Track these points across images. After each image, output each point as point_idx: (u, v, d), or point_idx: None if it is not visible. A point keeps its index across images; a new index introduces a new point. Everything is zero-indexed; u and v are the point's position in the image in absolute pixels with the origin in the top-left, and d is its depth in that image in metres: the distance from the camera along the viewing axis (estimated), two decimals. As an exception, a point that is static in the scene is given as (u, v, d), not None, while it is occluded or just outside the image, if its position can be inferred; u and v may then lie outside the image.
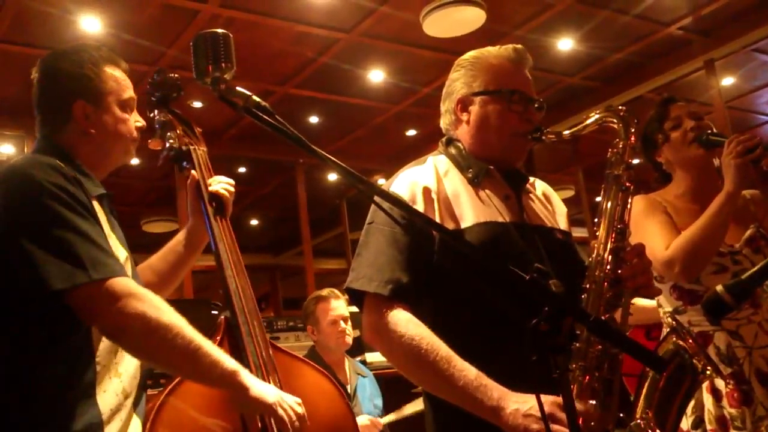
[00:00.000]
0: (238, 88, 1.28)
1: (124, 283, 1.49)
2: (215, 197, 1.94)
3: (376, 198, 1.52)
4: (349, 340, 3.57)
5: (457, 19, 5.26)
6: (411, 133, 7.65)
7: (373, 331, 1.59)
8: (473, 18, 5.24)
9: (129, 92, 1.76)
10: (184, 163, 2.00)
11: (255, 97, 1.28)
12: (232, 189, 1.99)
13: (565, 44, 6.16)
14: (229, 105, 1.25)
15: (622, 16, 5.76)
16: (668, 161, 2.34)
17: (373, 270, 1.57)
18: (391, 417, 3.56)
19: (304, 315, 3.72)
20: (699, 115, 2.34)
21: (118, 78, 1.75)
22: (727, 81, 7.10)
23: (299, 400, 1.61)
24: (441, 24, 5.32)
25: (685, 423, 2.14)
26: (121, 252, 1.61)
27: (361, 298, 1.61)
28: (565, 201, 1.92)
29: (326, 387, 1.86)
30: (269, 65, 5.96)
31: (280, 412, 1.56)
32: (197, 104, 6.20)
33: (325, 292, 3.68)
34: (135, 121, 1.78)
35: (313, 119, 7.20)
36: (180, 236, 1.99)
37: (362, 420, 3.31)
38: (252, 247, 11.19)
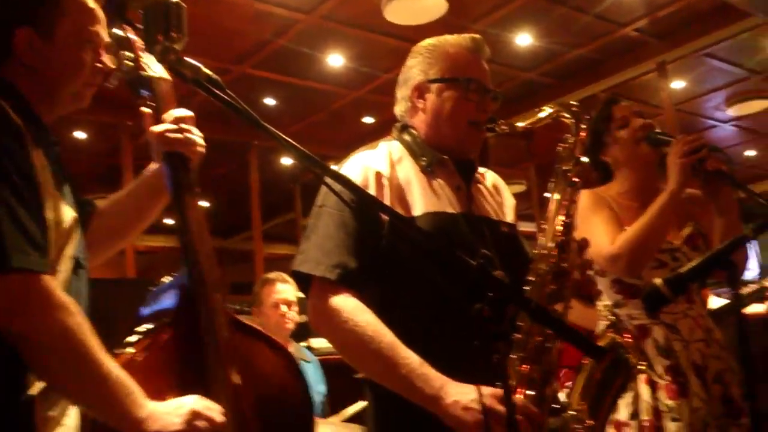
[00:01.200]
0: (189, 60, 1.25)
1: (48, 285, 1.26)
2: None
3: (327, 179, 1.51)
4: (291, 325, 3.55)
5: (419, 7, 5.27)
6: (368, 120, 7.63)
7: (318, 316, 1.58)
8: (434, 7, 5.26)
9: (94, 25, 1.49)
10: (142, 91, 1.64)
11: (206, 70, 1.25)
12: (195, 136, 1.66)
13: (524, 39, 6.21)
14: (178, 76, 1.23)
15: (581, 15, 5.83)
16: (615, 160, 2.38)
17: (321, 253, 1.56)
18: (335, 419, 3.52)
19: (253, 298, 3.70)
20: (643, 114, 2.38)
21: (82, 5, 1.47)
22: (678, 84, 7.24)
23: (219, 408, 1.41)
24: (402, 11, 5.32)
25: (622, 413, 2.19)
26: (67, 213, 1.42)
27: (308, 281, 1.59)
28: (516, 196, 1.94)
29: (282, 364, 1.75)
30: (226, 43, 5.87)
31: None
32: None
33: (273, 275, 3.66)
34: (95, 61, 1.50)
35: (269, 101, 7.13)
36: (143, 178, 1.72)
37: None
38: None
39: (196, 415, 1.36)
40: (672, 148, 2.16)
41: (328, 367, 3.73)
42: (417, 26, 5.41)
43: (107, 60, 1.54)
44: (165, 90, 1.64)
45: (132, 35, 1.62)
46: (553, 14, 5.81)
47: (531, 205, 8.38)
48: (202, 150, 1.66)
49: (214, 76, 1.25)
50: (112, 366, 1.30)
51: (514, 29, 6.03)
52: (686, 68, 6.95)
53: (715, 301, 3.12)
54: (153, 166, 1.68)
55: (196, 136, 1.65)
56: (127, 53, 1.60)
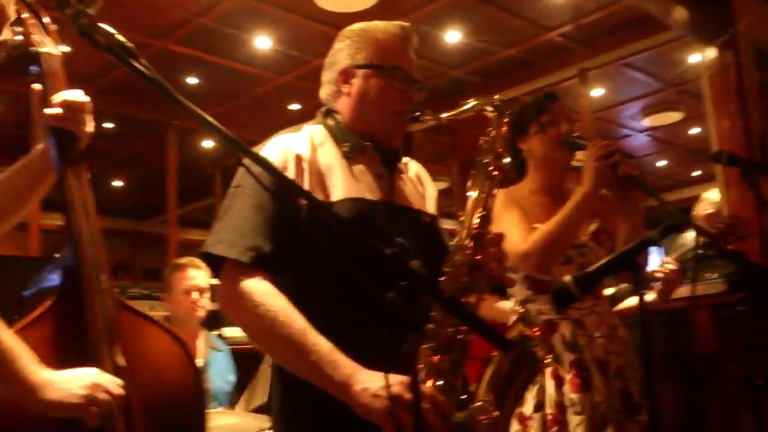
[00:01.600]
0: (103, 26, 1.20)
1: None
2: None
3: (246, 161, 1.48)
4: (202, 312, 3.45)
5: (351, -5, 5.28)
6: (294, 107, 7.55)
7: (229, 299, 1.54)
8: (367, -4, 5.26)
9: None
10: (31, 68, 1.62)
11: (120, 37, 1.20)
12: (83, 114, 1.62)
13: (453, 36, 6.26)
14: (90, 42, 1.17)
15: (509, 16, 5.92)
16: (530, 152, 2.43)
17: (235, 235, 1.53)
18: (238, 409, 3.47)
19: (163, 284, 3.60)
20: (573, 120, 2.44)
21: None
22: (598, 92, 7.44)
23: (119, 381, 1.43)
24: (334, -2, 5.30)
25: (528, 407, 2.24)
26: None
27: (219, 264, 1.55)
28: (439, 193, 1.95)
29: (174, 349, 1.71)
30: (148, 16, 5.67)
31: (93, 408, 1.35)
32: (64, 48, 5.84)
33: (184, 260, 3.53)
34: None
35: (192, 80, 6.95)
36: (30, 157, 1.67)
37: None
38: (113, 210, 10.71)
39: (96, 386, 1.34)
40: (587, 152, 2.22)
41: (241, 356, 3.67)
42: (348, 14, 5.38)
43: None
44: (54, 67, 1.64)
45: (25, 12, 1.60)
46: (483, 13, 5.88)
47: (453, 203, 8.48)
48: (91, 130, 1.64)
49: (129, 44, 1.20)
50: (2, 333, 1.25)
51: (444, 26, 6.07)
52: (606, 77, 7.15)
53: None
54: (40, 145, 1.65)
55: (85, 116, 1.63)
56: (17, 28, 1.57)
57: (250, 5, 5.58)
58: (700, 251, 3.47)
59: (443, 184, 9.06)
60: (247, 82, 7.03)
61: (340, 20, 5.42)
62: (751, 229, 4.19)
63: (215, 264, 1.57)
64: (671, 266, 2.63)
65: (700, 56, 4.76)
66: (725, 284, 3.40)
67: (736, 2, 4.54)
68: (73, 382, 1.32)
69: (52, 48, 1.65)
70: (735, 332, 3.48)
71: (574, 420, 2.17)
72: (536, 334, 1.52)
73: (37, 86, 1.62)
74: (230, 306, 1.54)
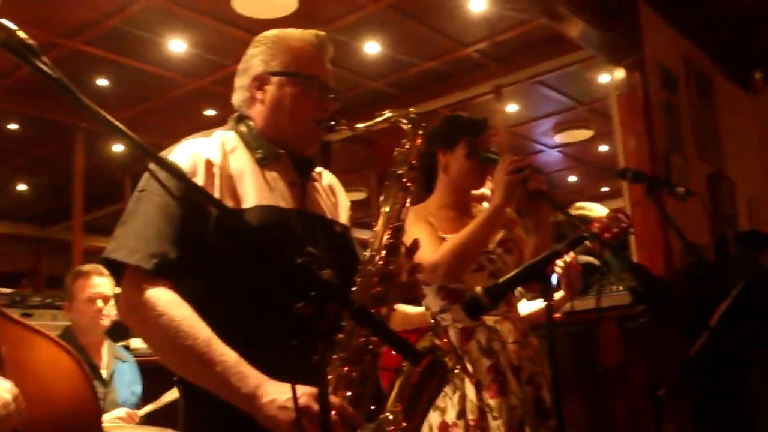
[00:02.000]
0: (3, 21, 1.14)
1: None
2: None
3: (152, 166, 1.43)
4: (106, 322, 3.33)
5: (269, 1, 5.22)
6: (209, 112, 7.41)
7: (130, 308, 1.48)
8: (285, 4, 5.22)
9: None
10: None
11: (22, 34, 1.14)
12: None
13: (372, 48, 6.29)
14: (-15, 36, 1.11)
15: (427, 30, 5.98)
16: (447, 166, 2.45)
17: (138, 241, 1.47)
18: (149, 408, 3.39)
19: (64, 292, 3.45)
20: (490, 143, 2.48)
21: None
22: (512, 108, 7.62)
23: (7, 386, 1.38)
24: (252, 4, 5.24)
25: (450, 415, 2.25)
26: None
27: (121, 270, 1.49)
28: (357, 203, 1.95)
29: (65, 364, 1.63)
30: (57, 14, 5.45)
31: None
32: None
33: (87, 267, 3.39)
34: None
35: (102, 82, 6.72)
36: None
37: (118, 413, 3.14)
38: (15, 215, 10.28)
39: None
40: (499, 166, 2.26)
41: (148, 368, 3.56)
42: (265, 20, 5.33)
43: None
44: None
45: None
46: (402, 26, 5.93)
47: (371, 213, 8.50)
48: None
49: (31, 41, 1.14)
50: None
51: (363, 37, 6.09)
52: (520, 93, 7.32)
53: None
54: None
55: None
56: None
57: (164, 8, 5.44)
58: (596, 262, 3.59)
59: (361, 195, 9.08)
60: (160, 86, 6.86)
61: (258, 26, 5.31)
62: (655, 243, 4.36)
63: (116, 271, 1.51)
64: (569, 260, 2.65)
65: (609, 77, 4.92)
66: (629, 297, 3.52)
67: (644, 25, 4.73)
68: None
69: None
70: (638, 343, 3.61)
71: (493, 425, 2.20)
72: (446, 344, 1.52)
73: None
74: (131, 315, 1.48)
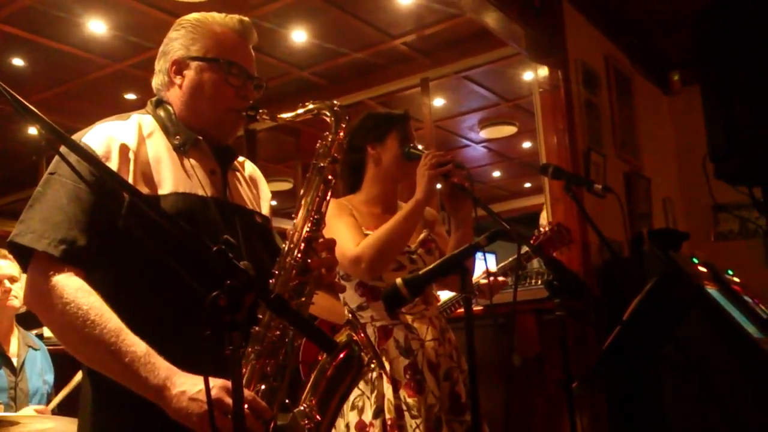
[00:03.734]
0: None
1: None
2: None
3: (63, 149, 1.38)
4: (15, 302, 3.23)
5: (193, -16, 5.11)
6: (130, 96, 7.19)
7: (35, 295, 1.43)
8: (210, -12, 5.12)
9: None
10: None
11: None
12: None
13: (299, 36, 6.22)
14: None
15: (355, 20, 5.95)
16: (377, 159, 2.46)
17: (46, 226, 1.41)
18: (59, 397, 3.30)
19: None
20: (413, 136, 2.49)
21: None
22: (438, 101, 7.67)
23: None
24: (175, -15, 5.12)
25: (367, 414, 2.25)
26: None
27: (28, 256, 1.44)
28: (282, 193, 1.93)
29: None
30: (-31, -10, 5.23)
31: None
32: None
33: None
34: None
35: (18, 62, 6.45)
36: None
37: (28, 411, 3.05)
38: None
39: None
40: (422, 160, 2.28)
41: (61, 357, 3.46)
42: (189, 3, 5.20)
43: None
44: None
45: None
46: (329, 15, 5.88)
47: (296, 203, 8.42)
48: None
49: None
50: None
51: (290, 25, 6.01)
52: (446, 87, 7.37)
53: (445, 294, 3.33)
54: None
55: None
56: None
57: (85, -15, 5.26)
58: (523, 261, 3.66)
59: (287, 185, 8.99)
60: (78, 68, 6.61)
61: (180, 9, 5.21)
62: (573, 238, 4.47)
63: (23, 256, 1.45)
64: (499, 278, 2.71)
65: (533, 74, 5.01)
66: (546, 290, 3.59)
67: (567, 24, 4.83)
68: None
69: None
70: (554, 336, 3.69)
71: (411, 423, 2.21)
72: (362, 339, 1.52)
73: None
74: (37, 303, 1.43)
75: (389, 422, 2.23)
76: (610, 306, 4.25)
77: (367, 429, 2.24)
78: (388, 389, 2.27)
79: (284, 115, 1.72)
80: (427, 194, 2.25)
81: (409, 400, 2.24)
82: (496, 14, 4.28)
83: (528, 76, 6.46)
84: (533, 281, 3.78)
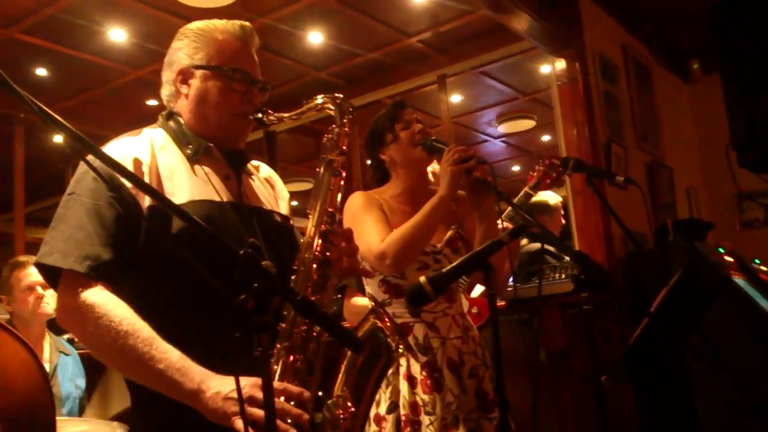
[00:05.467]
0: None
1: None
2: None
3: (90, 158, 1.40)
4: (48, 308, 3.28)
5: (210, -11, 5.16)
6: (151, 102, 7.26)
7: (67, 313, 1.45)
8: (227, -9, 5.16)
9: None
10: None
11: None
12: None
13: (316, 38, 6.25)
14: None
15: (370, 20, 5.97)
16: (392, 159, 2.47)
17: (70, 245, 1.44)
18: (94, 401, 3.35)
19: (2, 285, 3.37)
20: (422, 123, 2.50)
21: None
22: (456, 98, 7.66)
23: None
24: (193, -8, 5.16)
25: (382, 408, 2.27)
26: None
27: (56, 275, 1.47)
28: (302, 194, 1.94)
29: (22, 356, 1.65)
30: (-8, 3, 5.31)
31: None
32: None
33: (23, 258, 3.34)
34: None
35: (41, 72, 6.54)
36: None
37: None
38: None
39: None
40: (444, 156, 2.28)
41: (91, 361, 3.51)
42: (206, 9, 5.25)
43: None
44: None
45: None
46: (344, 16, 5.91)
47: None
48: None
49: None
50: None
51: (306, 27, 6.05)
52: (464, 83, 7.37)
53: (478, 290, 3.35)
54: None
55: None
56: None
57: (104, -5, 5.32)
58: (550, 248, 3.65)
59: (307, 185, 9.03)
60: (100, 75, 6.70)
61: (198, 15, 5.23)
62: (596, 232, 4.45)
63: (51, 276, 1.48)
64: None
65: (550, 67, 4.99)
66: (571, 284, 3.58)
67: (584, 16, 4.81)
68: None
69: None
70: (580, 330, 3.69)
71: (425, 420, 2.22)
72: (387, 325, 1.53)
73: None
74: (70, 320, 1.46)
75: (403, 418, 2.24)
76: (634, 298, 4.23)
77: (382, 423, 2.26)
78: (403, 385, 2.28)
79: (288, 114, 1.73)
80: (450, 190, 2.25)
81: (425, 397, 2.25)
82: (511, 9, 4.27)
83: (545, 69, 6.44)
84: (558, 275, 3.77)
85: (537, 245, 4.21)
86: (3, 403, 1.48)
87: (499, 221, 2.32)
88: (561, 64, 4.75)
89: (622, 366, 2.46)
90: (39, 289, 3.25)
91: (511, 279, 3.73)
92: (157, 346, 1.39)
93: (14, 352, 1.61)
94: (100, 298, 1.42)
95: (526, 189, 2.92)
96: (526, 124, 8.59)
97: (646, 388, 4.06)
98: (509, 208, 2.84)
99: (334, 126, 1.71)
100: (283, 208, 1.82)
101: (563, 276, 3.73)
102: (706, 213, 6.11)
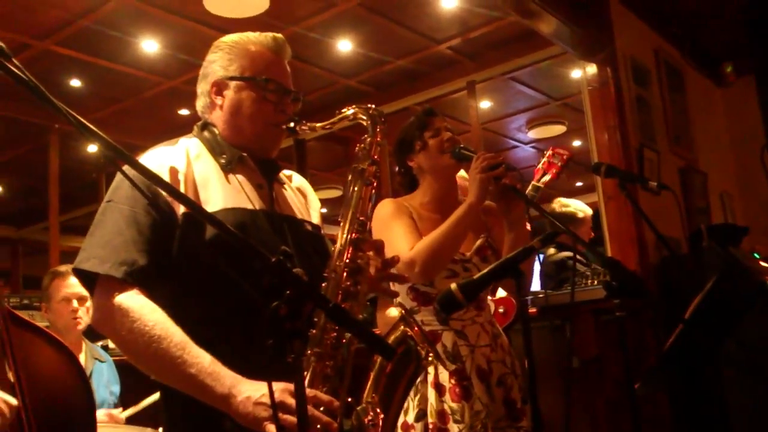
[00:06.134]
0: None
1: None
2: None
3: (126, 168, 1.43)
4: (83, 322, 3.33)
5: (240, 0, 5.20)
6: (184, 112, 7.36)
7: (102, 316, 1.48)
8: (256, 2, 5.19)
9: None
10: None
11: (-11, 36, 1.14)
12: None
13: (345, 46, 6.28)
14: (-45, 38, 1.10)
15: (399, 28, 5.99)
16: (420, 167, 2.47)
17: (107, 251, 1.48)
18: (130, 411, 3.40)
19: (42, 293, 3.44)
20: (453, 131, 2.50)
21: None
22: (485, 104, 7.64)
23: (12, 400, 1.40)
24: (223, 3, 5.20)
25: (410, 416, 2.26)
26: None
27: (93, 280, 1.50)
28: (332, 201, 1.95)
29: (65, 363, 1.68)
30: (28, 16, 5.38)
31: None
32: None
33: (63, 267, 3.40)
34: None
35: (75, 83, 6.65)
36: None
37: (99, 415, 3.13)
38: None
39: None
40: (473, 163, 2.28)
41: (126, 368, 3.55)
42: (237, 20, 5.31)
43: None
44: None
45: None
46: (373, 24, 5.93)
47: (346, 211, 8.46)
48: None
49: (1, 44, 1.14)
50: None
51: (335, 35, 6.08)
52: (493, 89, 7.35)
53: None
54: None
55: None
56: None
57: (136, 7, 5.39)
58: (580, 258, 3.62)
59: (337, 192, 9.06)
60: (133, 86, 6.80)
61: (230, 25, 5.33)
62: (629, 238, 4.41)
63: (88, 281, 1.51)
64: None
65: (581, 72, 4.96)
66: (603, 291, 3.55)
67: (614, 20, 4.77)
68: None
69: None
70: (613, 337, 3.65)
71: (454, 428, 2.21)
72: (416, 332, 1.53)
73: None
74: (105, 323, 1.49)
75: (431, 426, 2.23)
76: (668, 305, 4.18)
77: (410, 431, 2.25)
78: (431, 393, 2.27)
79: (321, 124, 1.75)
80: (479, 198, 2.25)
81: (453, 405, 2.23)
82: (541, 14, 4.26)
83: (576, 74, 6.40)
84: (590, 282, 3.74)
85: (564, 254, 4.19)
86: (42, 408, 1.51)
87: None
88: (592, 69, 4.71)
89: (656, 373, 2.43)
90: (74, 303, 3.30)
91: (539, 286, 3.72)
92: (189, 351, 1.41)
93: (55, 358, 1.65)
94: (135, 302, 1.45)
95: (533, 183, 2.89)
96: (557, 129, 8.54)
97: (680, 396, 4.01)
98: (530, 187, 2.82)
99: (366, 136, 1.72)
100: (315, 218, 1.85)
101: (595, 282, 3.70)
102: (741, 217, 6.02)
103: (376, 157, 1.70)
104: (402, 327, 1.54)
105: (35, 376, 1.48)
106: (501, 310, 3.28)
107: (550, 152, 2.92)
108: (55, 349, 1.65)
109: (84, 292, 3.31)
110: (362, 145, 1.72)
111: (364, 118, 1.74)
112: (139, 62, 6.30)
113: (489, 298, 3.23)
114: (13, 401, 1.36)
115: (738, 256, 3.88)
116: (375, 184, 1.69)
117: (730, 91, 6.31)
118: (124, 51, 6.09)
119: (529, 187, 2.95)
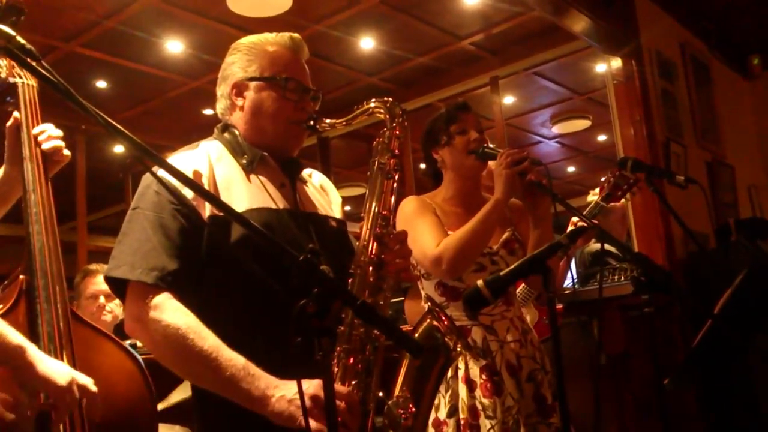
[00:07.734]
0: (2, 27, 1.15)
1: None
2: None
3: (155, 169, 1.44)
4: (108, 317, 3.37)
5: (263, 0, 5.23)
6: (208, 112, 7.40)
7: (135, 322, 1.50)
8: (279, 1, 5.21)
9: None
10: (8, 98, 1.80)
11: (20, 39, 1.16)
12: (61, 144, 1.83)
13: (367, 43, 6.29)
14: (-13, 43, 1.12)
15: (422, 24, 5.98)
16: (443, 162, 2.47)
17: (136, 257, 1.50)
18: (159, 407, 3.43)
19: (74, 291, 3.49)
20: (482, 129, 2.48)
21: None
22: (509, 99, 7.61)
23: (91, 381, 1.42)
24: (246, 2, 5.23)
25: (442, 412, 2.26)
26: None
27: (124, 288, 1.52)
28: (356, 198, 1.96)
29: (127, 366, 1.70)
30: (54, 18, 5.45)
31: (68, 398, 1.36)
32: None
33: (94, 266, 3.46)
34: None
35: (101, 84, 6.73)
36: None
37: None
38: (20, 216, 10.26)
39: (74, 380, 1.36)
40: (497, 160, 2.27)
41: (153, 365, 3.58)
42: (260, 19, 5.33)
43: None
44: (30, 96, 1.80)
45: None
46: (395, 21, 5.93)
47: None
48: (68, 157, 1.85)
49: (29, 46, 1.16)
50: None
51: (358, 33, 6.09)
52: (517, 85, 7.31)
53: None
54: (7, 167, 1.83)
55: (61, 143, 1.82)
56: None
57: (160, 8, 5.44)
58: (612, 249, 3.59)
59: (361, 190, 9.07)
60: (158, 86, 6.86)
61: (253, 25, 5.37)
62: (656, 233, 4.37)
63: (119, 288, 1.54)
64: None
65: (606, 66, 4.92)
66: (631, 286, 3.52)
67: (640, 14, 4.73)
68: (56, 372, 1.36)
69: (28, 79, 1.79)
70: (641, 332, 3.62)
71: (486, 424, 2.21)
72: (444, 324, 1.53)
73: (16, 114, 1.78)
74: (139, 330, 1.51)
75: (462, 422, 2.23)
76: (697, 300, 4.14)
77: (442, 427, 2.25)
78: (462, 389, 2.26)
79: (339, 120, 1.76)
80: (506, 194, 2.24)
81: (485, 401, 2.23)
82: (565, 9, 4.23)
83: (601, 68, 6.35)
84: (617, 277, 3.71)
85: (599, 246, 4.15)
86: (107, 414, 1.53)
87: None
88: (617, 63, 4.68)
89: (685, 369, 2.41)
90: (102, 299, 3.34)
91: (568, 281, 3.69)
92: (222, 354, 1.43)
93: (122, 365, 1.67)
94: (167, 307, 1.47)
95: (597, 200, 2.85)
96: (581, 124, 8.48)
97: (709, 392, 3.96)
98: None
99: (384, 129, 1.73)
100: (337, 213, 1.85)
101: (623, 278, 3.67)
102: (770, 211, 5.94)
103: (395, 150, 1.71)
104: (429, 320, 1.54)
105: (99, 374, 1.49)
106: (546, 320, 3.26)
107: (616, 172, 2.85)
108: (123, 354, 1.68)
109: None
110: (381, 139, 1.73)
111: (382, 110, 1.75)
112: (164, 63, 6.35)
113: (533, 306, 3.20)
114: (93, 387, 1.40)
115: (767, 250, 3.83)
116: (396, 176, 1.69)
117: (758, 84, 6.22)
118: (149, 52, 6.15)
119: (591, 206, 2.92)
